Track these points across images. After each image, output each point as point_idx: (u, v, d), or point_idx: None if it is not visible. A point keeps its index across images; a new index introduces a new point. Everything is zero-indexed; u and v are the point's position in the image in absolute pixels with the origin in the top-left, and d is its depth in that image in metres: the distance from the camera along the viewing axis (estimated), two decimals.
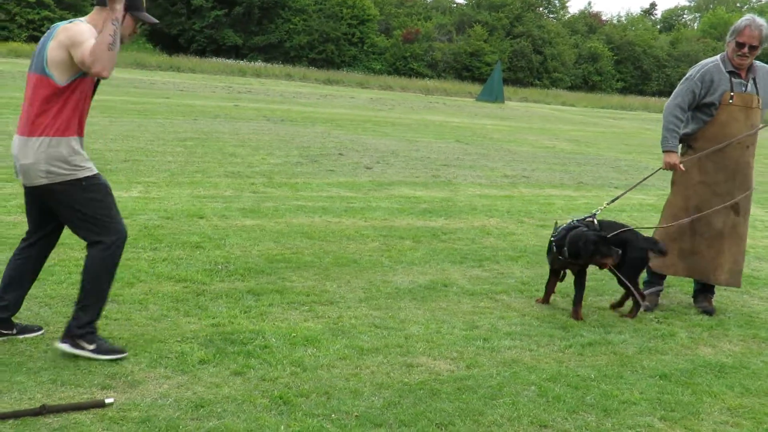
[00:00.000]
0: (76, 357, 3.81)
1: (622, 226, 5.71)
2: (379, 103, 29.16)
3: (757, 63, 5.78)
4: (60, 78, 3.67)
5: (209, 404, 3.55)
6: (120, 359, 3.87)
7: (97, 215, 3.83)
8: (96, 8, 3.86)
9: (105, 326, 4.36)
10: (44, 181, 3.69)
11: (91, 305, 3.89)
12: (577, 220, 5.52)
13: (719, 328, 5.48)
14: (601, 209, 5.63)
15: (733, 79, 5.68)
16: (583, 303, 5.43)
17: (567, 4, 70.80)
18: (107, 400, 3.45)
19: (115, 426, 3.27)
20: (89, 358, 3.81)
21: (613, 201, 5.96)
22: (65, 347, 3.83)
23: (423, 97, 37.63)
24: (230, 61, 47.29)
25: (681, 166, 5.74)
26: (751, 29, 5.55)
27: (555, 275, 5.62)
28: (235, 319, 4.68)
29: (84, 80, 3.78)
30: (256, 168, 10.53)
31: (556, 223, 5.76)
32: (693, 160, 5.83)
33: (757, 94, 5.71)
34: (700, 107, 5.76)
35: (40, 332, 4.19)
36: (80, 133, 3.84)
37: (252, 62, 48.84)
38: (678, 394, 4.20)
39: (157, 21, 4.19)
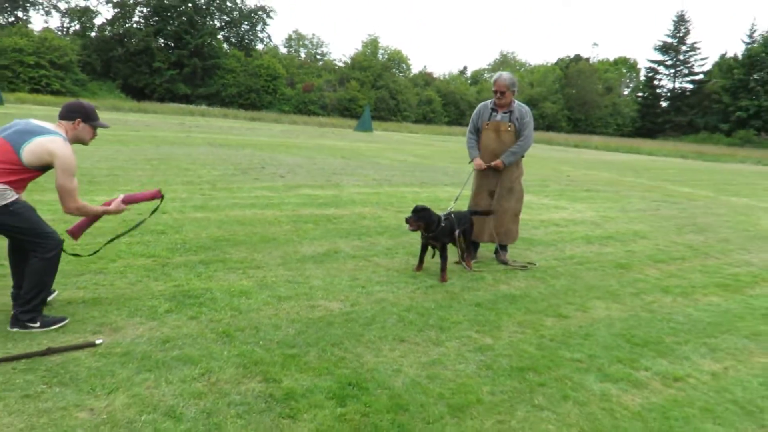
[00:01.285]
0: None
1: (466, 213, 5.74)
2: (288, 133, 28.66)
3: (516, 102, 6.00)
4: (28, 163, 3.31)
5: (173, 340, 3.41)
6: (63, 325, 3.45)
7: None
8: (63, 122, 3.54)
9: (95, 290, 4.11)
10: None
11: (35, 297, 3.38)
12: (443, 215, 5.36)
13: (511, 272, 5.71)
14: (452, 207, 5.66)
15: (492, 112, 5.95)
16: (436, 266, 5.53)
17: (410, 67, 71.20)
18: (97, 341, 3.26)
19: (104, 359, 3.09)
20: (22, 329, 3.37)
21: (455, 200, 5.97)
22: (16, 330, 3.36)
23: (318, 129, 37.25)
24: (182, 105, 45.12)
25: (483, 164, 5.96)
26: (499, 81, 5.82)
27: (424, 249, 5.44)
28: (191, 281, 4.51)
29: (41, 173, 3.46)
30: (203, 178, 10.14)
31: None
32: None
33: (509, 121, 5.94)
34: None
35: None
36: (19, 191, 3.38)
37: (198, 106, 46.86)
38: (486, 315, 4.35)
39: (108, 125, 3.89)
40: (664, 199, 13.13)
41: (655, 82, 73.88)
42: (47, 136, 3.35)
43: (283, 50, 68.87)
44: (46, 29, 49.94)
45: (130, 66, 52.98)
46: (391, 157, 18.56)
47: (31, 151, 3.28)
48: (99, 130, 3.74)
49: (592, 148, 42.87)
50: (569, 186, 14.41)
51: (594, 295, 5.12)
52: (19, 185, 3.34)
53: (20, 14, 54.82)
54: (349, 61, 67.82)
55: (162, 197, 3.96)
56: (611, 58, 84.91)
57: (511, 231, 6.10)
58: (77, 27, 55.98)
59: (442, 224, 5.22)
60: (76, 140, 3.59)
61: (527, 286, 5.23)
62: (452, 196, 10.57)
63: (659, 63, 72.63)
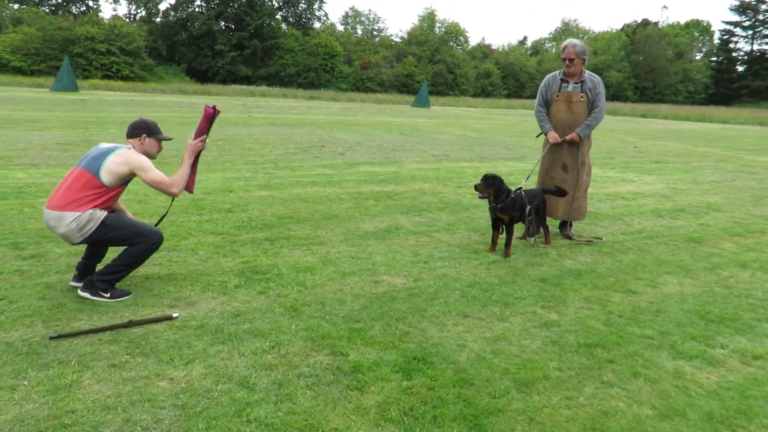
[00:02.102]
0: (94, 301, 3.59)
1: (538, 191, 5.55)
2: (346, 110, 28.81)
3: (587, 71, 5.77)
4: (109, 183, 3.58)
5: (243, 314, 3.53)
6: (127, 298, 3.64)
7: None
8: (130, 140, 3.79)
9: (169, 266, 4.30)
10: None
11: (120, 272, 3.64)
12: (514, 190, 5.22)
13: (577, 247, 5.57)
14: (523, 184, 5.51)
15: (563, 83, 5.72)
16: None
17: (468, 39, 69.82)
18: (174, 315, 3.42)
19: (180, 331, 3.24)
20: (105, 302, 3.57)
21: (527, 178, 5.76)
22: (86, 294, 3.59)
23: (376, 106, 37.23)
24: (244, 86, 46.15)
25: (559, 138, 5.72)
26: (568, 48, 5.58)
27: (496, 228, 5.25)
28: (258, 258, 4.64)
29: (124, 186, 3.74)
30: (266, 157, 10.37)
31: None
32: (545, 138, 5.90)
33: (581, 91, 5.69)
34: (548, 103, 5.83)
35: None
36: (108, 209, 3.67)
37: (258, 86, 47.77)
38: (552, 291, 4.28)
39: (172, 137, 4.07)
40: (740, 170, 12.42)
41: (731, 45, 69.59)
42: (115, 152, 3.61)
43: (340, 28, 69.12)
44: (115, 17, 52.04)
45: (194, 49, 54.43)
46: (450, 132, 18.35)
47: (107, 171, 3.55)
48: (164, 144, 4.01)
49: (661, 118, 40.93)
50: (636, 157, 13.84)
51: (665, 270, 4.93)
52: (106, 204, 3.62)
53: (91, 3, 57.26)
54: (405, 36, 67.31)
55: (217, 112, 3.95)
56: (682, 22, 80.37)
57: (582, 207, 5.92)
58: (143, 13, 58.00)
59: (512, 196, 5.08)
60: (144, 155, 3.82)
61: (593, 261, 5.09)
62: (513, 170, 10.38)
63: (735, 24, 68.24)
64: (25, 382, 2.63)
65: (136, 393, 2.59)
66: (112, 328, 3.21)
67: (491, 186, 5.00)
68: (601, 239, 5.83)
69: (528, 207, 5.25)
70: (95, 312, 3.43)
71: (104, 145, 3.71)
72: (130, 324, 3.25)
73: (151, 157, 3.85)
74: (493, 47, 73.52)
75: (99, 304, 3.54)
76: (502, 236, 5.21)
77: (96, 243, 3.68)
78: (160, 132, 3.90)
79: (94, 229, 3.54)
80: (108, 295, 3.61)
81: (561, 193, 5.61)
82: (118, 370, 2.79)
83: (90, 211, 3.51)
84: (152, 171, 3.66)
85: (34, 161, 8.55)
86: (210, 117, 3.95)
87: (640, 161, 13.11)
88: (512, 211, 5.09)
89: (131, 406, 2.50)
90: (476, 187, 5.03)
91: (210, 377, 2.76)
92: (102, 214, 3.56)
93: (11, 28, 44.79)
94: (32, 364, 2.79)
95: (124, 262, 3.66)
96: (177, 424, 2.39)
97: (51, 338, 3.05)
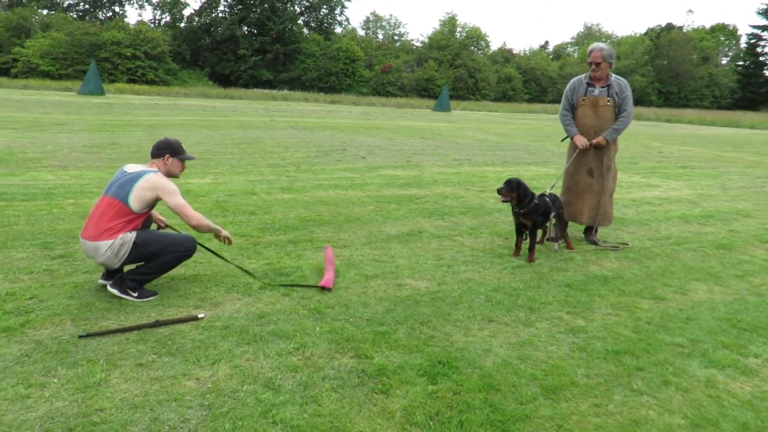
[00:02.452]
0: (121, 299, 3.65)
1: (558, 196, 5.46)
2: (367, 114, 28.88)
3: (613, 75, 5.68)
4: (138, 209, 3.65)
5: (268, 315, 3.54)
6: (154, 298, 3.69)
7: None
8: (154, 161, 3.86)
9: (195, 267, 4.33)
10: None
11: (152, 273, 3.72)
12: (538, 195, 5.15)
13: (602, 252, 5.50)
14: (549, 190, 5.44)
15: (588, 87, 5.65)
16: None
17: (489, 44, 69.59)
18: (200, 315, 3.44)
19: (206, 332, 3.26)
20: (133, 302, 3.62)
21: (551, 187, 5.67)
22: (115, 291, 3.66)
23: (396, 110, 37.25)
24: (266, 91, 46.57)
25: (587, 142, 5.65)
26: (595, 52, 5.51)
27: (519, 234, 5.20)
28: (281, 259, 4.66)
29: (150, 210, 3.81)
30: (288, 160, 10.42)
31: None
32: (570, 142, 5.82)
33: (608, 95, 5.61)
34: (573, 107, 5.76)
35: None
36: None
37: (280, 90, 48.16)
38: (578, 296, 4.22)
39: (195, 157, 4.18)
40: None
41: (758, 50, 68.20)
42: (141, 178, 3.67)
43: (361, 32, 69.31)
44: (141, 22, 52.83)
45: (217, 54, 55.03)
46: (471, 137, 18.28)
47: (136, 198, 3.63)
48: (187, 164, 4.09)
49: (686, 122, 40.28)
50: (662, 162, 13.63)
51: (693, 277, 4.84)
52: (136, 228, 3.70)
53: (117, 9, 58.25)
54: (426, 40, 67.22)
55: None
56: (707, 26, 79.07)
57: (608, 212, 5.84)
58: (168, 18, 58.79)
59: (535, 201, 5.01)
60: (167, 175, 3.89)
61: (620, 267, 5.01)
62: (536, 174, 10.28)
63: (763, 28, 66.95)
64: (55, 380, 2.66)
65: (163, 392, 2.61)
66: (139, 327, 3.24)
67: (513, 190, 4.96)
68: (627, 245, 5.74)
69: (553, 213, 5.19)
70: (122, 311, 3.47)
71: (130, 170, 3.76)
72: (157, 324, 3.28)
73: (174, 176, 3.94)
74: (514, 51, 73.16)
75: (126, 304, 3.58)
76: (526, 241, 5.15)
77: (137, 260, 3.71)
78: (183, 152, 3.95)
79: (128, 251, 3.62)
80: (136, 294, 3.66)
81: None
82: (145, 369, 2.81)
83: (121, 236, 3.59)
84: (177, 196, 3.73)
85: (62, 163, 8.71)
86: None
87: (665, 166, 12.90)
88: (535, 216, 5.02)
89: (158, 405, 2.51)
90: (499, 191, 5.01)
91: (236, 378, 2.77)
92: (131, 235, 3.63)
93: (40, 34, 45.75)
94: (62, 362, 2.82)
95: (157, 267, 3.72)
96: (204, 424, 2.39)
97: (80, 337, 3.08)
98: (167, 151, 3.85)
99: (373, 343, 3.22)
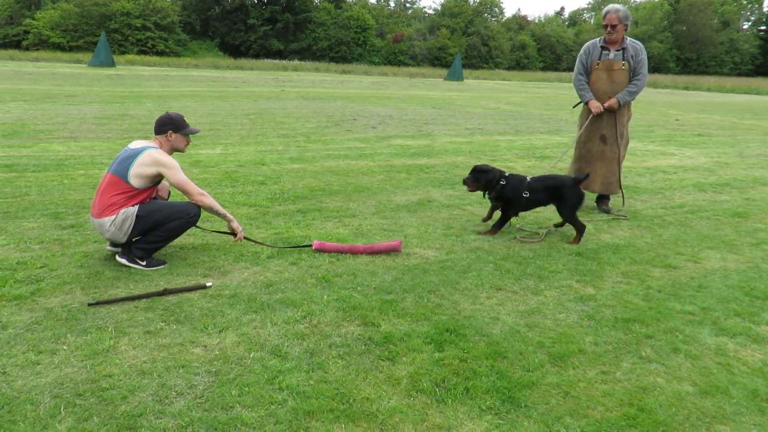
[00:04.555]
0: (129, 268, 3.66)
1: (565, 179, 4.80)
2: (378, 84, 28.59)
3: (628, 38, 5.52)
4: (139, 185, 3.63)
5: (276, 284, 3.54)
6: (162, 267, 3.70)
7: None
8: (158, 137, 3.83)
9: (203, 237, 4.34)
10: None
11: (159, 242, 3.71)
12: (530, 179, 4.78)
13: (614, 221, 5.43)
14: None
15: (603, 50, 5.52)
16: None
17: (503, 11, 68.21)
18: (207, 284, 3.46)
19: (214, 300, 3.27)
20: (141, 270, 3.64)
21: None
22: (123, 260, 3.68)
23: (408, 79, 36.83)
24: (276, 61, 46.23)
25: (602, 106, 5.52)
26: (610, 14, 5.37)
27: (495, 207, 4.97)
28: (290, 229, 4.65)
29: (156, 185, 3.82)
30: (298, 131, 10.36)
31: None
32: (582, 109, 5.72)
33: (623, 59, 5.47)
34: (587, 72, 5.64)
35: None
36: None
37: (291, 61, 47.75)
38: (588, 264, 4.18)
39: (198, 130, 4.12)
40: None
41: None
42: (141, 154, 3.64)
43: (372, 0, 68.01)
44: None
45: (227, 24, 54.50)
46: (484, 106, 18.04)
47: (136, 174, 3.61)
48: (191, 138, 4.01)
49: (704, 90, 39.45)
50: (678, 130, 13.38)
51: (707, 246, 4.77)
52: (138, 203, 3.68)
53: None
54: (439, 7, 66.05)
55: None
56: None
57: (618, 180, 5.75)
58: None
59: (502, 183, 4.63)
60: (172, 150, 3.86)
61: (632, 236, 4.95)
62: (548, 143, 10.15)
63: None
64: (65, 347, 2.69)
65: (170, 359, 2.63)
66: (147, 296, 3.26)
67: (478, 180, 4.66)
68: (626, 217, 5.56)
69: (523, 195, 4.67)
70: (131, 280, 3.49)
71: (133, 147, 3.74)
72: (165, 292, 3.30)
73: (179, 151, 3.91)
74: (529, 18, 71.68)
75: (135, 273, 3.60)
76: (529, 213, 5.04)
77: (143, 233, 3.70)
78: (186, 126, 3.89)
79: (132, 225, 3.62)
80: (144, 263, 3.68)
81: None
82: (153, 336, 2.83)
83: (123, 210, 3.59)
84: (178, 172, 3.69)
85: (73, 134, 8.72)
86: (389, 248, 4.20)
87: (682, 134, 12.67)
88: (509, 194, 4.68)
89: (166, 371, 2.53)
90: (464, 181, 4.75)
91: (243, 345, 2.79)
92: (134, 209, 3.63)
93: (50, 5, 45.54)
94: (71, 330, 2.85)
95: (163, 235, 3.72)
96: (210, 390, 2.41)
97: (89, 305, 3.11)
98: (170, 127, 3.80)
99: (381, 311, 3.22)
